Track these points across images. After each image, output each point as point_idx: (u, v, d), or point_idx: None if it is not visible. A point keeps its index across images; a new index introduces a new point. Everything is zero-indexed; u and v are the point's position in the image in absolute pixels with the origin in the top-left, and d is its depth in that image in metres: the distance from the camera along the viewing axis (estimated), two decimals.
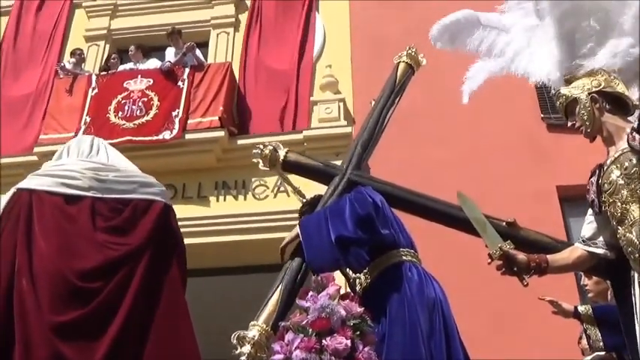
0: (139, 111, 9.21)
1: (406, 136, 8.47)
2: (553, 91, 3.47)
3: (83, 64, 10.13)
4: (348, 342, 2.45)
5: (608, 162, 3.08)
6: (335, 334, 2.46)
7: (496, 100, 8.72)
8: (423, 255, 3.46)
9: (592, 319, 4.35)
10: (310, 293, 2.64)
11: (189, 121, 9.06)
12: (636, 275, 2.93)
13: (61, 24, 10.83)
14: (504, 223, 3.49)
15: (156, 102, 9.25)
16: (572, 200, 7.62)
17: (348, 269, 3.54)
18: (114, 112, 9.25)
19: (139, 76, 9.57)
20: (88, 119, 9.20)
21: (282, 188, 8.70)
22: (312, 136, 8.77)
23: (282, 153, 3.73)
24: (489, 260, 3.13)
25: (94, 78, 9.68)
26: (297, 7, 10.37)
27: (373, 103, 3.95)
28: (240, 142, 8.90)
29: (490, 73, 3.80)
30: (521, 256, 3.11)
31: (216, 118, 9.04)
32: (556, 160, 8.10)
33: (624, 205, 2.94)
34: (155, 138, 8.95)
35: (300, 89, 9.56)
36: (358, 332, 2.55)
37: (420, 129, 8.60)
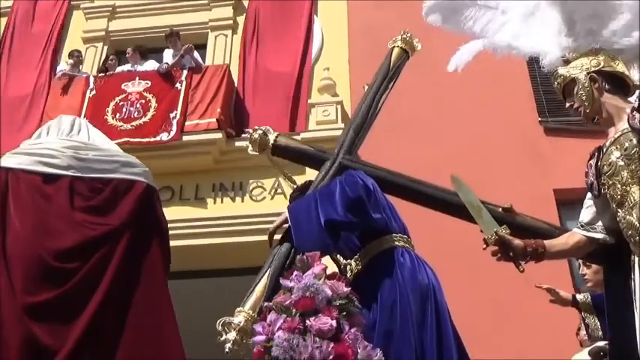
0: (136, 113, 9.17)
1: (403, 139, 8.43)
2: (546, 69, 3.33)
3: (81, 66, 10.06)
4: (334, 322, 2.33)
5: (608, 143, 2.97)
6: (319, 315, 2.35)
7: (494, 103, 8.73)
8: (417, 241, 3.34)
9: (591, 308, 4.24)
10: (295, 273, 2.53)
11: (186, 123, 9.01)
12: (636, 259, 2.80)
13: (58, 25, 10.78)
14: (500, 209, 3.37)
15: (153, 104, 9.21)
16: (569, 204, 7.54)
17: (338, 255, 3.42)
18: (111, 113, 9.21)
19: (137, 78, 9.54)
20: (86, 121, 9.09)
21: (279, 190, 8.64)
22: (309, 139, 8.64)
23: (271, 137, 3.61)
24: (484, 246, 3.01)
25: (91, 79, 9.64)
26: (295, 9, 10.34)
27: (367, 87, 3.85)
28: (237, 144, 8.82)
29: (483, 48, 3.68)
30: (518, 241, 2.99)
31: (214, 120, 9.00)
32: (553, 163, 8.09)
33: (624, 187, 2.82)
34: (153, 139, 8.90)
35: (297, 92, 9.50)
36: (344, 313, 2.43)
37: (417, 132, 8.57)
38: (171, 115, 9.07)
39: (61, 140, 2.93)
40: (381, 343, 2.80)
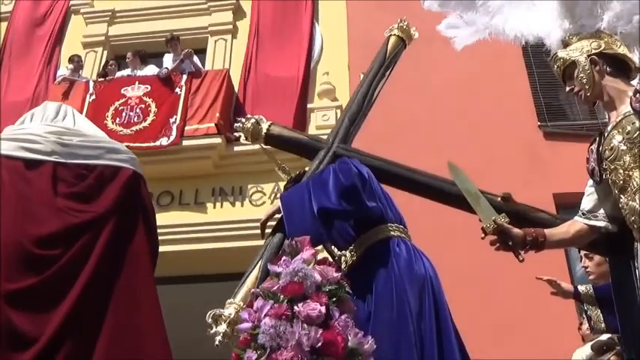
0: (136, 117, 9.14)
1: (401, 145, 8.35)
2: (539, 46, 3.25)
3: (81, 71, 10.03)
4: (322, 308, 2.22)
5: (609, 127, 2.87)
6: (308, 301, 2.24)
7: (493, 107, 8.69)
8: (413, 231, 3.24)
9: (593, 299, 4.13)
10: (283, 258, 2.43)
11: (186, 128, 8.98)
12: (639, 247, 2.70)
13: (58, 30, 10.76)
14: (499, 198, 3.27)
15: (153, 108, 9.18)
16: (568, 208, 7.45)
17: (333, 247, 3.32)
18: (111, 118, 9.18)
19: (137, 82, 9.52)
20: None
21: (279, 195, 8.55)
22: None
23: (264, 126, 3.52)
24: (483, 235, 2.91)
25: (91, 84, 9.60)
26: (295, 14, 10.30)
27: (362, 76, 3.76)
28: (237, 148, 8.80)
29: (477, 30, 3.58)
30: (517, 230, 2.90)
31: (214, 124, 8.95)
32: (553, 168, 8.05)
33: (627, 172, 2.73)
34: (153, 144, 8.87)
35: (297, 96, 9.44)
36: (334, 299, 2.32)
37: (416, 136, 8.53)
38: (171, 120, 9.04)
39: (44, 126, 2.85)
40: (377, 333, 2.70)
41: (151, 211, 2.93)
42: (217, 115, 8.97)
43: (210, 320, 2.89)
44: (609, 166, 2.81)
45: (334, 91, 9.34)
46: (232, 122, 9.23)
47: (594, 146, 2.94)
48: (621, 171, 2.75)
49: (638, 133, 2.72)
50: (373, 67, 3.76)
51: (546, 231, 2.97)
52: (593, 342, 3.98)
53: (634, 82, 2.93)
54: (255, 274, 3.01)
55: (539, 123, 8.80)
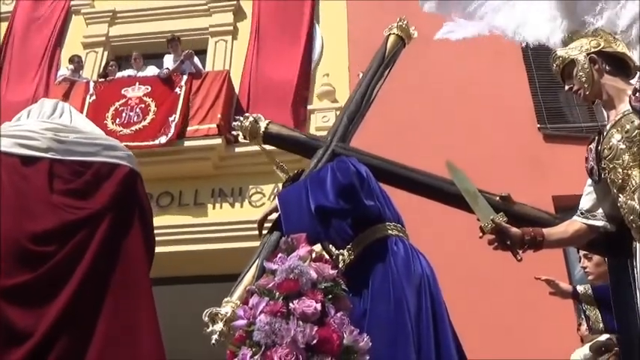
0: (136, 117, 9.16)
1: (401, 148, 8.32)
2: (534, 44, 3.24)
3: (81, 71, 10.04)
4: (318, 305, 2.21)
5: (608, 126, 2.86)
6: (304, 298, 2.23)
7: (492, 110, 8.68)
8: (412, 231, 3.23)
9: (592, 300, 4.13)
10: (279, 255, 2.42)
11: (187, 128, 8.99)
12: (638, 246, 2.69)
13: (59, 30, 10.76)
14: (498, 198, 3.26)
15: (153, 108, 9.20)
16: (568, 210, 7.45)
17: (330, 245, 3.30)
18: (111, 118, 9.19)
19: (137, 83, 9.53)
20: None
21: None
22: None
23: (262, 124, 3.52)
24: (481, 234, 2.90)
25: (91, 85, 9.61)
26: (295, 16, 10.31)
27: (361, 75, 3.75)
28: (237, 149, 8.82)
29: (476, 31, 3.57)
30: (515, 229, 2.89)
31: (214, 125, 8.98)
32: (552, 170, 8.05)
33: (625, 171, 2.72)
34: (152, 142, 8.85)
35: (297, 98, 9.44)
36: (330, 296, 2.31)
37: (416, 139, 8.52)
38: (171, 119, 9.05)
39: (41, 122, 2.83)
40: (373, 330, 2.70)
41: (148, 209, 2.92)
42: (219, 116, 8.96)
43: (206, 319, 2.89)
44: (608, 165, 2.80)
45: (334, 92, 9.36)
46: (233, 123, 9.30)
47: (593, 145, 2.93)
48: (620, 170, 2.74)
49: (637, 131, 2.71)
50: (372, 66, 3.76)
51: (545, 230, 2.96)
52: (591, 343, 3.96)
53: (633, 81, 2.91)
54: (252, 272, 3.00)
55: (538, 125, 8.81)
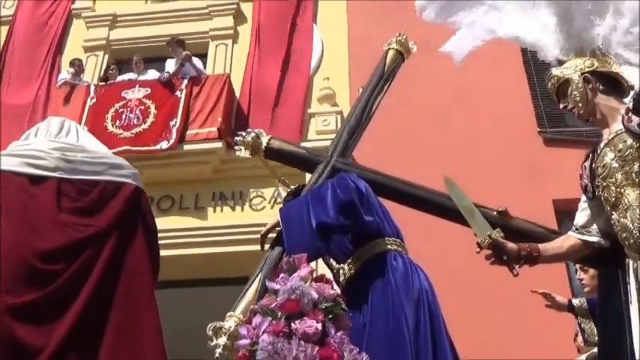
0: (136, 119, 9.13)
1: (401, 155, 8.39)
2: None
3: (82, 75, 10.06)
4: (319, 325, 2.29)
5: (602, 145, 2.93)
6: (305, 318, 2.30)
7: (493, 114, 8.72)
8: (410, 244, 3.30)
9: (587, 313, 4.19)
10: (281, 275, 2.49)
11: (187, 132, 8.98)
12: (631, 262, 2.76)
13: (59, 34, 10.80)
14: (495, 212, 3.32)
15: (153, 110, 9.17)
16: (568, 214, 7.49)
17: (331, 260, 3.38)
18: (111, 120, 9.18)
19: (137, 86, 9.52)
20: (86, 129, 9.06)
21: (279, 199, 8.59)
22: (309, 149, 8.63)
23: (264, 139, 3.59)
24: (478, 249, 2.97)
25: (92, 88, 9.63)
26: (295, 20, 10.35)
27: (361, 90, 3.82)
28: (237, 153, 8.77)
29: (471, 42, 3.63)
30: (511, 244, 2.96)
31: (214, 129, 8.97)
32: (552, 174, 8.06)
33: (618, 189, 2.79)
34: (153, 148, 8.86)
35: (297, 102, 9.48)
36: (330, 316, 2.39)
37: (416, 143, 8.56)
38: (171, 123, 9.04)
39: (48, 142, 2.90)
40: (373, 344, 2.77)
41: (153, 226, 2.99)
42: (219, 119, 8.98)
43: (210, 333, 2.95)
44: (602, 183, 2.87)
45: (334, 96, 9.36)
46: (233, 127, 9.37)
47: (587, 163, 3.00)
48: (613, 188, 2.81)
49: (629, 151, 2.78)
50: (372, 80, 3.83)
51: (540, 246, 3.03)
52: (587, 354, 4.03)
53: (626, 100, 2.98)
54: (255, 287, 3.07)
55: (538, 129, 8.82)
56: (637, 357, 2.58)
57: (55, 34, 10.81)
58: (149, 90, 9.36)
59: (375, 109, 3.74)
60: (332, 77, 9.56)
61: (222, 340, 2.91)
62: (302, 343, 2.25)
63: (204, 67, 10.05)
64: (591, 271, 4.10)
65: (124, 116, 9.11)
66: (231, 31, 10.56)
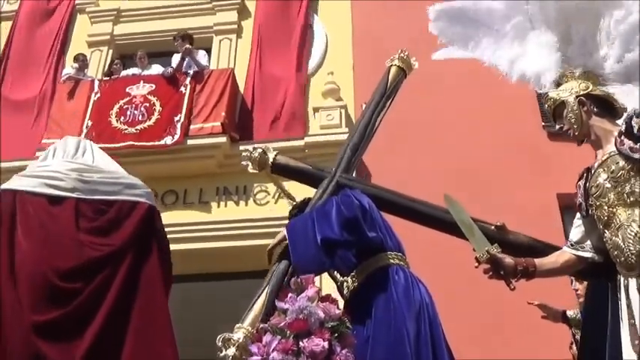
0: (140, 116, 9.18)
1: (405, 147, 8.48)
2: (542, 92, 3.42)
3: (86, 70, 10.12)
4: (325, 344, 2.43)
5: (596, 165, 3.06)
6: (312, 336, 2.44)
7: (497, 108, 8.75)
8: (412, 257, 3.43)
9: (580, 324, 4.30)
10: (289, 295, 2.63)
11: (191, 127, 9.04)
12: (622, 279, 2.90)
13: (64, 29, 10.87)
14: (493, 227, 3.45)
15: (158, 107, 9.22)
16: (573, 208, 7.56)
17: (336, 272, 3.52)
18: (115, 116, 9.22)
19: (142, 81, 9.57)
20: (90, 124, 9.18)
21: (282, 195, 8.66)
22: (313, 143, 8.74)
23: (271, 156, 3.72)
24: (476, 264, 3.10)
25: (96, 83, 9.67)
26: (299, 14, 10.39)
27: (364, 106, 3.93)
28: (241, 147, 8.83)
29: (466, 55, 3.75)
30: (508, 259, 3.09)
31: (219, 123, 9.00)
32: (557, 168, 8.06)
33: (611, 209, 2.92)
34: (157, 143, 8.92)
35: (301, 96, 9.56)
36: (336, 334, 2.53)
37: (420, 139, 8.61)
38: (176, 119, 9.09)
39: (66, 162, 3.03)
40: (376, 358, 2.91)
41: (166, 243, 3.13)
42: (223, 114, 9.03)
43: (219, 343, 3.06)
44: (595, 203, 3.00)
45: (339, 90, 9.36)
46: (237, 121, 9.46)
47: (581, 182, 3.12)
48: (606, 207, 2.94)
49: (622, 172, 2.90)
50: (374, 97, 3.93)
51: (536, 261, 3.16)
52: None
53: (619, 121, 3.10)
54: (262, 300, 3.17)
55: (543, 123, 8.81)
56: None
57: (59, 29, 10.85)
58: (153, 86, 9.42)
59: (377, 126, 3.86)
60: (336, 72, 9.58)
61: (232, 351, 3.02)
62: None
63: (209, 62, 10.08)
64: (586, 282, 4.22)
65: (128, 112, 9.16)
66: (235, 26, 10.59)
